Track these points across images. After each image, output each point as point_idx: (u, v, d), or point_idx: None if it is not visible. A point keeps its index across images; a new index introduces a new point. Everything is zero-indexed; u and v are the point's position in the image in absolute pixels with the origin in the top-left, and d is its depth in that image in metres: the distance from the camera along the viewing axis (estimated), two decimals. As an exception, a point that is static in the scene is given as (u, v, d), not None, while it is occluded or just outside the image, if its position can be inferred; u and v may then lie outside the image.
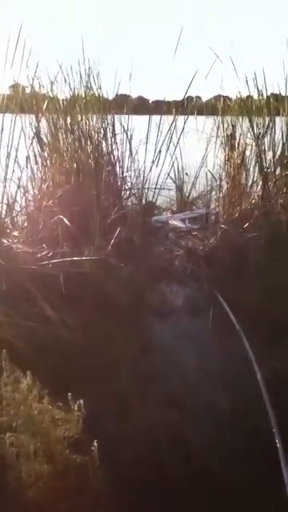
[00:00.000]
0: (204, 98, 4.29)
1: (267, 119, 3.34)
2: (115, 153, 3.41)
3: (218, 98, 3.92)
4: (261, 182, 3.36)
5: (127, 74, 3.29)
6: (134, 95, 3.71)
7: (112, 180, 3.41)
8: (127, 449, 1.43)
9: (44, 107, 3.10)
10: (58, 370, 1.68)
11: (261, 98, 3.40)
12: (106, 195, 3.29)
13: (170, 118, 3.35)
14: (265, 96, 3.39)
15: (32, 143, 3.03)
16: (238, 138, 3.57)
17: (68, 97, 3.32)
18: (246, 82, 3.36)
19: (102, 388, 1.66)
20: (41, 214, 2.92)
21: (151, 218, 3.55)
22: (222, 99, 3.79)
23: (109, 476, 1.27)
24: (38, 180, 3.07)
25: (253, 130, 3.36)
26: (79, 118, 3.27)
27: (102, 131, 3.30)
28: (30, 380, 1.38)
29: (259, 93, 3.39)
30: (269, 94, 3.39)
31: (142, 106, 4.00)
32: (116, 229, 2.88)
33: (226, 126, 3.63)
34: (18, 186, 2.89)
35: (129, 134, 3.39)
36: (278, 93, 3.37)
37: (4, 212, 2.84)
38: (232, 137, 3.59)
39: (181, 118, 3.41)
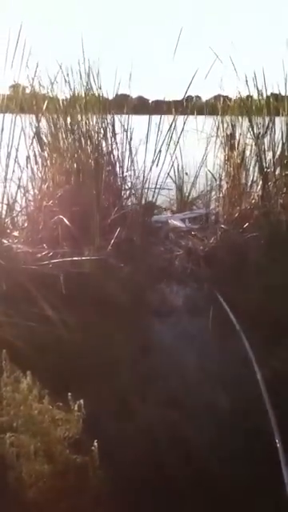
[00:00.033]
0: (204, 98, 4.30)
1: (267, 119, 3.34)
2: (115, 153, 3.41)
3: (217, 97, 3.93)
4: (261, 182, 3.36)
5: (127, 73, 3.30)
6: (133, 95, 3.72)
7: (112, 180, 3.41)
8: (127, 449, 1.43)
9: (44, 107, 3.09)
10: (58, 369, 1.68)
11: (261, 97, 3.40)
12: (106, 195, 3.29)
13: (170, 117, 3.35)
14: (265, 96, 3.39)
15: (32, 143, 3.03)
16: (237, 137, 3.57)
17: (68, 97, 3.33)
18: (246, 81, 3.37)
19: (102, 388, 1.66)
20: (41, 214, 2.92)
21: (151, 218, 3.54)
22: (221, 99, 3.80)
23: (109, 476, 1.27)
24: (38, 180, 3.07)
25: (253, 129, 3.36)
26: (79, 118, 3.26)
27: (102, 131, 3.30)
28: (30, 380, 1.38)
29: (259, 93, 3.40)
30: (269, 93, 3.39)
31: (141, 106, 4.00)
32: (116, 229, 2.88)
33: (225, 125, 3.63)
34: (18, 186, 2.89)
35: (129, 133, 3.39)
36: (277, 93, 3.37)
37: (4, 212, 2.84)
38: (232, 137, 3.59)
39: (181, 118, 3.41)
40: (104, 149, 3.31)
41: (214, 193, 3.89)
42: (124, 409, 1.63)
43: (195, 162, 3.85)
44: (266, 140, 3.33)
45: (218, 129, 3.69)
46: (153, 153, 3.20)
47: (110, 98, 3.39)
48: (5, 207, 2.84)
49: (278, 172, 3.32)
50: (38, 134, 3.05)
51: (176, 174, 3.91)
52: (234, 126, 3.59)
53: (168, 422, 1.57)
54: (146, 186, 3.33)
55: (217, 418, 1.62)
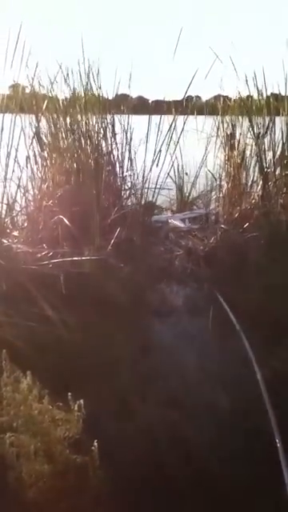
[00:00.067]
0: (204, 98, 4.30)
1: (267, 119, 3.34)
2: (115, 153, 3.41)
3: (217, 97, 3.93)
4: (261, 182, 3.36)
5: (127, 73, 3.30)
6: (133, 95, 3.72)
7: (112, 180, 3.41)
8: (127, 449, 1.43)
9: (44, 107, 3.09)
10: (58, 369, 1.68)
11: (261, 97, 3.40)
12: (106, 195, 3.29)
13: (170, 117, 3.34)
14: (265, 96, 3.39)
15: (32, 143, 3.03)
16: (237, 137, 3.57)
17: (68, 97, 3.33)
18: (246, 81, 3.36)
19: (102, 388, 1.66)
20: (41, 213, 2.92)
21: (151, 218, 3.54)
22: (221, 99, 3.80)
23: (109, 476, 1.27)
24: (38, 180, 3.07)
25: (253, 129, 3.36)
26: (79, 118, 3.27)
27: (102, 131, 3.30)
28: (30, 380, 1.38)
29: (259, 92, 3.40)
30: (269, 93, 3.39)
31: (141, 106, 4.01)
32: (116, 229, 2.88)
33: (225, 125, 3.63)
34: (18, 186, 2.89)
35: (129, 133, 3.39)
36: (277, 92, 3.37)
37: (4, 212, 2.84)
38: (232, 136, 3.59)
39: (181, 118, 3.41)
40: (104, 149, 3.31)
41: (214, 193, 3.90)
42: (124, 409, 1.63)
43: (195, 162, 3.85)
44: (266, 140, 3.32)
45: (218, 129, 3.69)
46: (153, 153, 3.20)
47: (110, 97, 3.40)
48: (5, 207, 2.84)
49: (278, 172, 3.32)
50: (37, 134, 3.04)
51: (176, 173, 3.91)
52: (234, 126, 3.59)
53: (168, 422, 1.57)
54: (146, 185, 3.33)
55: (217, 417, 1.62)
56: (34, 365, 1.47)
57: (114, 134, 3.37)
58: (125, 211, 3.28)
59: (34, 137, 3.02)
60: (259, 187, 3.38)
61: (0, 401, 1.37)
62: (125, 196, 3.52)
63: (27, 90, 3.15)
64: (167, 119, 3.33)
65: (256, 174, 3.45)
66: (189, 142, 3.58)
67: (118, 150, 3.41)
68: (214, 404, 1.69)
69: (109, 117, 3.36)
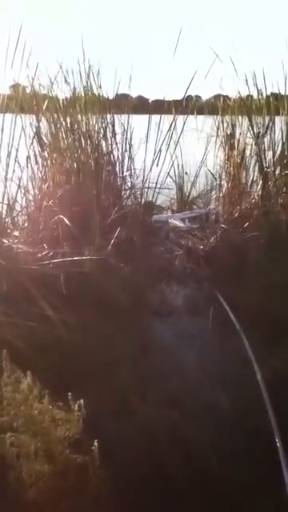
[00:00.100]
0: (204, 98, 4.31)
1: (267, 118, 3.34)
2: (115, 152, 3.41)
3: (217, 97, 3.92)
4: (261, 182, 3.36)
5: (127, 73, 3.31)
6: (133, 95, 3.71)
7: (112, 180, 3.41)
8: (127, 449, 1.43)
9: (44, 107, 3.09)
10: (58, 369, 1.68)
11: (260, 97, 3.40)
12: (106, 195, 3.29)
13: (170, 117, 3.34)
14: (264, 95, 3.39)
15: (32, 143, 3.03)
16: (237, 137, 3.57)
17: (68, 96, 3.33)
18: (246, 81, 3.36)
19: (102, 388, 1.66)
20: (41, 213, 2.92)
21: (151, 218, 3.55)
22: (221, 99, 3.79)
23: (109, 476, 1.28)
24: (39, 180, 3.08)
25: (253, 129, 3.36)
26: (79, 118, 3.26)
27: (102, 131, 3.30)
28: (31, 380, 1.39)
29: (259, 92, 3.40)
30: (268, 93, 3.39)
31: (141, 106, 4.01)
32: (116, 229, 2.88)
33: (225, 125, 3.63)
34: (19, 186, 2.90)
35: (129, 133, 3.39)
36: (277, 92, 3.37)
37: (4, 212, 2.85)
38: (232, 136, 3.59)
39: (180, 118, 3.41)
40: (104, 149, 3.31)
41: (214, 192, 3.90)
42: (124, 409, 1.63)
43: (195, 162, 3.85)
44: (266, 139, 3.32)
45: (217, 128, 3.69)
46: (153, 152, 3.20)
47: (110, 97, 3.40)
48: (5, 207, 2.85)
49: (277, 171, 3.32)
50: (38, 134, 3.05)
51: (176, 173, 3.91)
52: (234, 126, 3.59)
53: (168, 422, 1.57)
54: (146, 185, 3.33)
55: (217, 417, 1.62)
56: (35, 365, 1.47)
57: (114, 134, 3.37)
58: (125, 211, 3.27)
59: (34, 137, 3.03)
60: (259, 187, 3.38)
61: (0, 401, 1.37)
62: (125, 196, 3.51)
63: (27, 90, 3.15)
64: (167, 119, 3.33)
65: (256, 173, 3.45)
66: (189, 141, 3.57)
67: (118, 150, 3.41)
68: (214, 404, 1.69)
69: (109, 116, 3.36)
